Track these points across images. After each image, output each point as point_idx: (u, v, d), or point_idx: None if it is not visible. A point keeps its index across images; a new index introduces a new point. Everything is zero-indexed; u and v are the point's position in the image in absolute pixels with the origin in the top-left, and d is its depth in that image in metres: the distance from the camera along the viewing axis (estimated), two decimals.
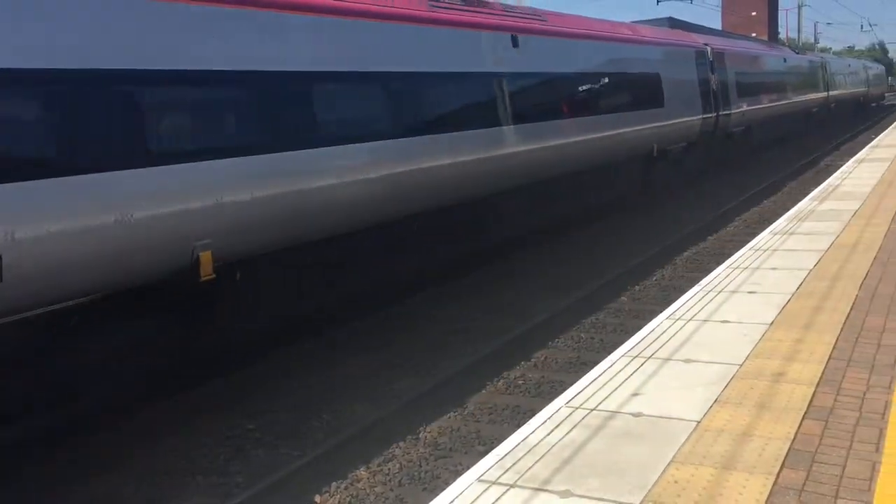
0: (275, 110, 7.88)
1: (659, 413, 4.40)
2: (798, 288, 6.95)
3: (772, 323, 5.95)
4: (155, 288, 6.93)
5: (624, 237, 15.68)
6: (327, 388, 8.29)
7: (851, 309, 6.23)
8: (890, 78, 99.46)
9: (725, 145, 23.38)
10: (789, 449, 3.91)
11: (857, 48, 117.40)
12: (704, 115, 20.58)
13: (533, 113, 12.75)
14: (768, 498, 3.46)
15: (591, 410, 4.50)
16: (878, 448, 3.92)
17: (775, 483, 3.58)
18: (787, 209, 16.69)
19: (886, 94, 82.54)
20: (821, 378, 4.81)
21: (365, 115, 9.29)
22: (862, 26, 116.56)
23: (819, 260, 8.02)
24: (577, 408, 4.56)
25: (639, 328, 9.89)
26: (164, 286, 6.96)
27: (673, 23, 26.23)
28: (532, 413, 5.71)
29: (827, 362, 5.09)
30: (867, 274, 7.29)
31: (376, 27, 9.67)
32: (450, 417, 7.59)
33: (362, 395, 8.09)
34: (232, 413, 7.63)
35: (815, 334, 5.65)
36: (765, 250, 8.77)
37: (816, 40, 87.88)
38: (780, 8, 75.05)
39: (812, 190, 15.39)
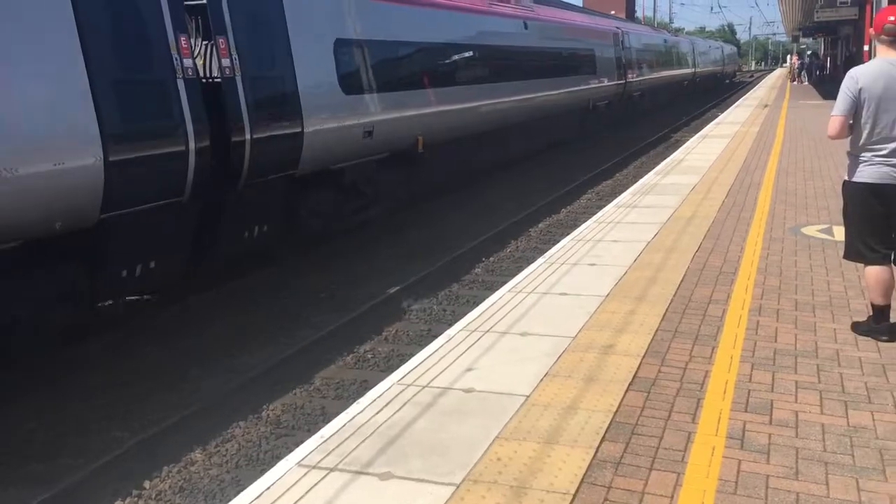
0: (442, 67, 15.15)
1: (490, 388, 4.40)
2: (635, 260, 7.16)
3: (607, 295, 6.09)
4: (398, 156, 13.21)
5: (470, 211, 15.86)
6: (168, 360, 7.91)
7: (682, 280, 6.47)
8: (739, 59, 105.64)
9: (626, 106, 30.60)
10: (611, 422, 3.98)
11: (707, 29, 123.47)
12: (617, 82, 28.28)
13: (539, 72, 20.31)
14: (586, 472, 3.50)
15: (423, 387, 4.44)
16: (694, 419, 4.05)
17: (595, 456, 3.63)
18: (636, 182, 17.34)
19: (737, 73, 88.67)
20: (647, 349, 4.95)
21: (469, 71, 16.30)
22: (712, 8, 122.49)
23: (657, 232, 8.30)
24: (409, 385, 4.49)
25: None
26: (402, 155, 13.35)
27: None
28: None
29: (655, 333, 5.24)
30: (699, 247, 7.61)
31: (471, 17, 16.92)
32: (295, 394, 7.39)
33: (205, 369, 7.77)
34: (61, 391, 7.14)
35: (647, 306, 5.82)
36: (608, 223, 9.01)
37: (671, 20, 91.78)
38: None
39: (659, 163, 16.00)
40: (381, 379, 7.36)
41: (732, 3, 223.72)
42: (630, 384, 4.44)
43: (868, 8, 26.70)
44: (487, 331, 5.42)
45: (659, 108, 36.71)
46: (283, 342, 8.67)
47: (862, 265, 5.14)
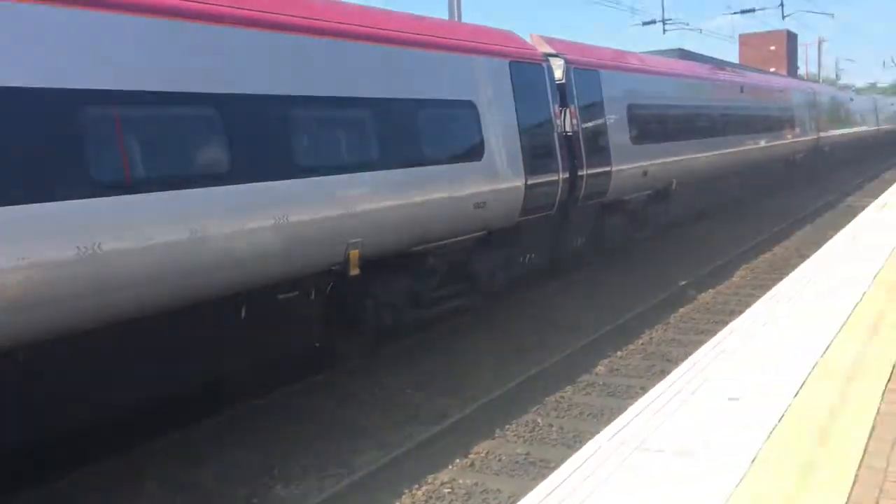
0: (688, 125, 18.97)
1: None
2: (797, 394, 5.06)
3: (754, 460, 4.07)
4: None
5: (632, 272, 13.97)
6: None
7: (870, 437, 4.35)
8: None
9: (818, 159, 33.32)
10: None
11: (880, 84, 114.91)
12: (812, 137, 31.37)
13: (758, 128, 24.84)
14: None
15: None
16: None
17: None
18: (802, 256, 14.79)
19: None
20: None
21: (708, 127, 20.21)
22: (884, 63, 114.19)
23: (829, 346, 6.12)
24: None
25: (612, 410, 8.10)
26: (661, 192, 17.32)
27: (683, 54, 25.54)
28: None
29: None
30: (892, 375, 5.38)
31: (707, 84, 21.85)
32: None
33: None
34: None
35: (814, 486, 3.78)
36: (764, 324, 6.88)
37: (838, 76, 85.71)
38: (799, 42, 73.24)
39: (828, 238, 13.48)
40: None
41: None
42: None
43: None
44: None
45: (845, 162, 39.04)
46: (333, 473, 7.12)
47: None
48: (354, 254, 8.69)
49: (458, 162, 10.72)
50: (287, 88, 8.10)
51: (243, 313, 7.63)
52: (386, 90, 9.47)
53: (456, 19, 21.81)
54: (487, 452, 7.49)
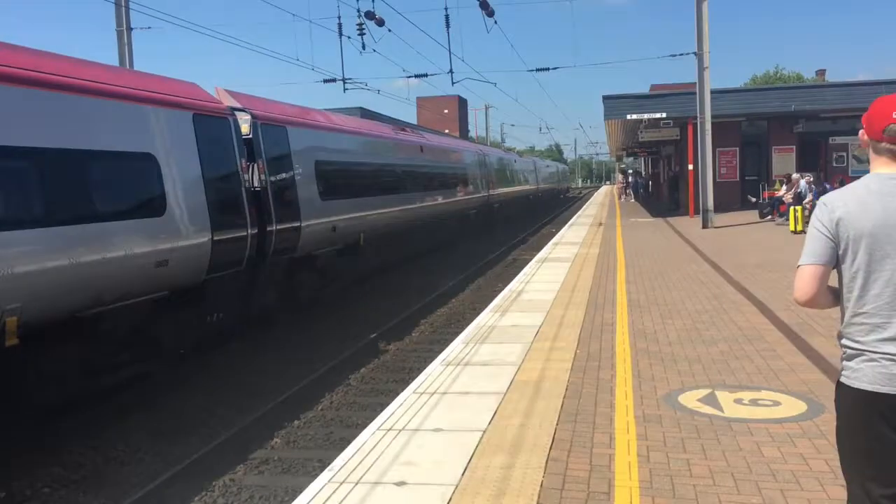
0: (377, 180, 19.84)
1: None
2: (465, 470, 4.83)
3: None
4: None
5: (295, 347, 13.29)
6: None
7: None
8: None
9: (489, 214, 35.81)
10: None
11: (537, 148, 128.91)
12: (483, 194, 33.93)
13: (435, 186, 25.99)
14: None
15: None
16: None
17: None
18: (475, 309, 15.43)
19: (568, 189, 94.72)
20: None
21: (392, 184, 21.28)
22: (540, 129, 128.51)
23: (496, 411, 6.07)
24: None
25: (287, 491, 7.43)
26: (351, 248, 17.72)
27: (364, 113, 26.08)
28: None
29: None
30: (554, 439, 5.40)
31: (401, 143, 23.35)
32: None
33: None
34: None
35: None
36: (431, 394, 6.70)
37: (503, 140, 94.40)
38: (469, 107, 79.67)
39: (498, 292, 14.16)
40: None
41: (559, 125, 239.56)
42: None
43: (690, 128, 26.94)
44: None
45: (512, 217, 42.30)
46: None
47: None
48: (12, 321, 7.73)
49: (135, 217, 9.95)
50: None
51: None
52: (45, 139, 8.62)
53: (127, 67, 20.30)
54: None
